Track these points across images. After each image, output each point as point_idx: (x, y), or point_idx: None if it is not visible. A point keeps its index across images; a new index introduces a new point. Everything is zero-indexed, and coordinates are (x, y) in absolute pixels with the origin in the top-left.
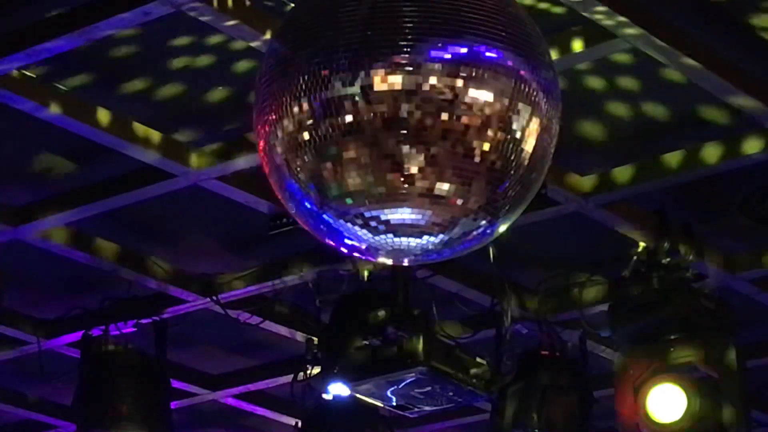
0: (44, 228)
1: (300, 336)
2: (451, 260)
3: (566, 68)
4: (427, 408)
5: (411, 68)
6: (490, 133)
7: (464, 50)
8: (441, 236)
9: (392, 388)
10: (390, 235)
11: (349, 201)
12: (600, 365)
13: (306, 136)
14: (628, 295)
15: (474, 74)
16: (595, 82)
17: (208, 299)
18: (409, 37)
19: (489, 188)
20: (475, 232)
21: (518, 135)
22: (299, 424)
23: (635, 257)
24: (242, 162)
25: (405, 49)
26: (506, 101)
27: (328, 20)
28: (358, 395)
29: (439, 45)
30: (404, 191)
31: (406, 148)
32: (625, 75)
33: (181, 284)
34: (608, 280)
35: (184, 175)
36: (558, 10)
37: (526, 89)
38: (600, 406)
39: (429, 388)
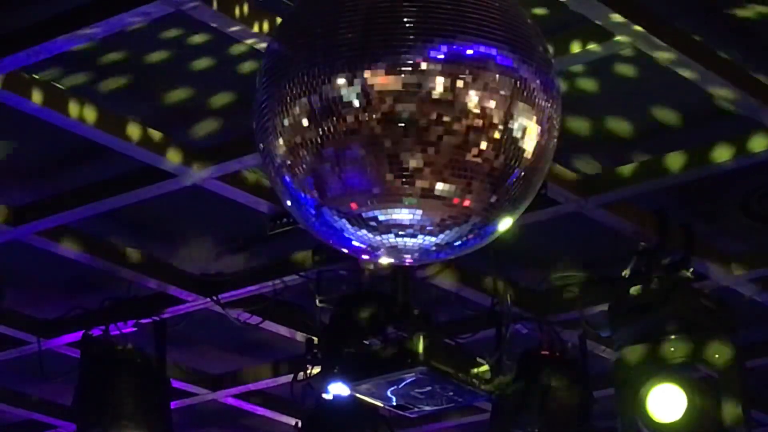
0: (44, 228)
1: (300, 336)
2: (451, 260)
3: (566, 68)
4: (427, 408)
5: (411, 68)
6: (489, 133)
7: (464, 50)
8: (441, 236)
9: (392, 388)
10: (390, 235)
11: (348, 201)
12: (600, 365)
13: (306, 136)
14: (628, 295)
15: (474, 74)
16: (595, 82)
17: (208, 299)
18: (409, 37)
19: (489, 188)
20: (475, 232)
21: (518, 135)
22: (299, 424)
23: (635, 257)
24: (243, 162)
25: (405, 49)
26: (506, 101)
27: (328, 20)
28: (358, 395)
29: (439, 45)
30: (404, 191)
31: (405, 148)
32: (624, 74)
33: (181, 284)
34: (608, 280)
35: (184, 175)
36: (557, 9)
37: (526, 89)
38: (600, 406)
39: (429, 388)
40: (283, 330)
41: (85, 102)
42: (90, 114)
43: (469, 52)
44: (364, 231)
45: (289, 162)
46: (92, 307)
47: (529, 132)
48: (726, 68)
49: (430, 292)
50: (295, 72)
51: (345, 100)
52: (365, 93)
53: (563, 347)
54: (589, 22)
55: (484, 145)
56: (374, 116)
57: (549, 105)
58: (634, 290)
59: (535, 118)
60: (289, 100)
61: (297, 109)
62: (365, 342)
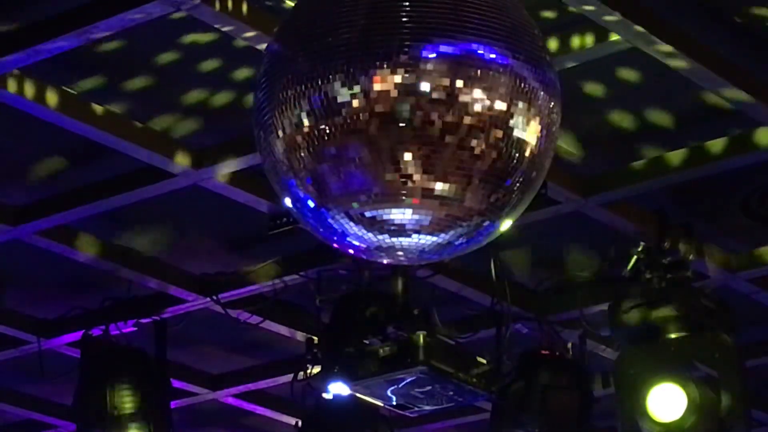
0: (44, 228)
1: (300, 336)
2: (450, 260)
3: (566, 67)
4: (427, 407)
5: (410, 68)
6: (489, 132)
7: (463, 50)
8: (441, 236)
9: (392, 388)
10: (389, 235)
11: (348, 200)
12: (600, 365)
13: (306, 136)
14: (628, 295)
15: (473, 74)
16: (595, 81)
17: (208, 299)
18: (409, 36)
19: (489, 188)
20: (475, 232)
21: (518, 134)
22: (299, 423)
23: (635, 257)
24: (242, 162)
25: (404, 49)
26: (506, 101)
27: (328, 20)
28: (358, 394)
29: (439, 45)
30: (404, 191)
31: (405, 148)
32: (624, 74)
33: (182, 284)
34: (608, 280)
35: (184, 175)
36: (557, 9)
37: (526, 89)
38: (600, 406)
39: (429, 388)
40: (283, 330)
41: (85, 102)
42: (90, 114)
43: (469, 51)
44: (363, 230)
45: (288, 161)
46: (92, 307)
47: (528, 131)
48: (726, 67)
49: (430, 292)
50: (294, 72)
51: (344, 99)
52: (365, 92)
53: (563, 347)
54: (589, 21)
55: (483, 145)
56: (374, 116)
57: (549, 104)
58: (634, 290)
59: (535, 117)
60: (288, 100)
61: (297, 109)
62: (365, 342)
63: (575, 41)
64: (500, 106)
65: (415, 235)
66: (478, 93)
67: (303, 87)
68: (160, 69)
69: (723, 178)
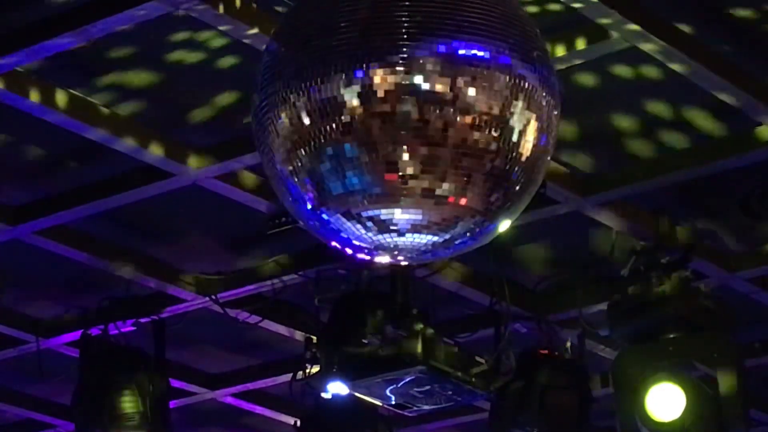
0: (44, 228)
1: (299, 335)
2: (450, 259)
3: (565, 67)
4: (426, 407)
5: (409, 68)
6: (488, 132)
7: (463, 50)
8: (440, 235)
9: (391, 387)
10: (389, 235)
11: (348, 201)
12: (599, 365)
13: (305, 135)
14: (628, 295)
15: (472, 73)
16: (595, 81)
17: (207, 298)
18: (408, 36)
19: (488, 187)
20: (474, 232)
21: (517, 134)
22: (298, 423)
23: (634, 257)
24: (242, 162)
25: (403, 49)
26: (505, 100)
27: (327, 20)
28: (357, 394)
29: (438, 44)
30: (403, 191)
31: (404, 148)
32: (623, 73)
33: (180, 284)
34: (607, 279)
35: (183, 175)
36: (556, 8)
37: (525, 88)
38: (599, 406)
39: (428, 387)
40: (282, 329)
41: (85, 102)
42: (90, 113)
43: (469, 51)
44: (363, 230)
45: (288, 161)
46: (91, 307)
47: (528, 131)
48: (726, 67)
49: (429, 292)
50: (294, 71)
51: (344, 99)
52: (364, 92)
53: (562, 346)
54: (588, 21)
55: (483, 144)
56: (373, 116)
57: (548, 103)
58: (633, 290)
59: (534, 116)
60: (288, 100)
61: (296, 109)
62: (364, 341)
63: (575, 41)
64: (499, 105)
65: (414, 235)
66: (477, 93)
67: (302, 86)
68: (160, 68)
69: (723, 178)
